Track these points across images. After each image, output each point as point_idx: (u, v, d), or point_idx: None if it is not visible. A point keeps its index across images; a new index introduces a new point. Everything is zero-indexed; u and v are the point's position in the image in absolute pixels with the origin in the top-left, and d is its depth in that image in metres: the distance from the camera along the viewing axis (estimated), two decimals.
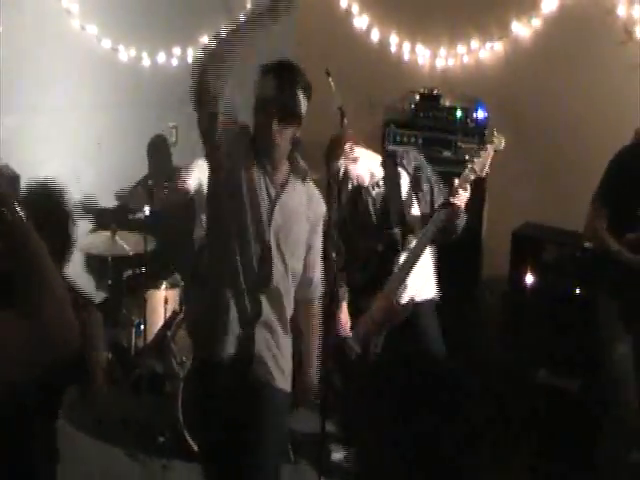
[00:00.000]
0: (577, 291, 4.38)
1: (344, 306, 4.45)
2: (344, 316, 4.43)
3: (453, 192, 4.11)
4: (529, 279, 4.61)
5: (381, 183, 4.36)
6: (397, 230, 4.29)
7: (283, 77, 3.21)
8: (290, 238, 3.20)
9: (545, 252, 4.66)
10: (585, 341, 4.24)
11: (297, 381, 3.44)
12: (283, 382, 3.29)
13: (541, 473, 4.50)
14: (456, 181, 4.14)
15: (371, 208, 4.35)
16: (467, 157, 4.19)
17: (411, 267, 4.26)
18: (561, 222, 4.69)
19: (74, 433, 4.74)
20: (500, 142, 4.16)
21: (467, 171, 4.12)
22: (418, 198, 4.32)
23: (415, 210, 4.32)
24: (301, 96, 3.17)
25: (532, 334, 4.58)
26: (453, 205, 4.11)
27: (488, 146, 4.14)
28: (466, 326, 4.65)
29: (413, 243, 4.26)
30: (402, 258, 4.27)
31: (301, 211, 3.26)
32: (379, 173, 4.35)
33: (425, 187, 4.33)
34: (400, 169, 4.35)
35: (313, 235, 3.34)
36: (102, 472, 4.51)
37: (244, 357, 3.20)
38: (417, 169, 4.35)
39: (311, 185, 3.34)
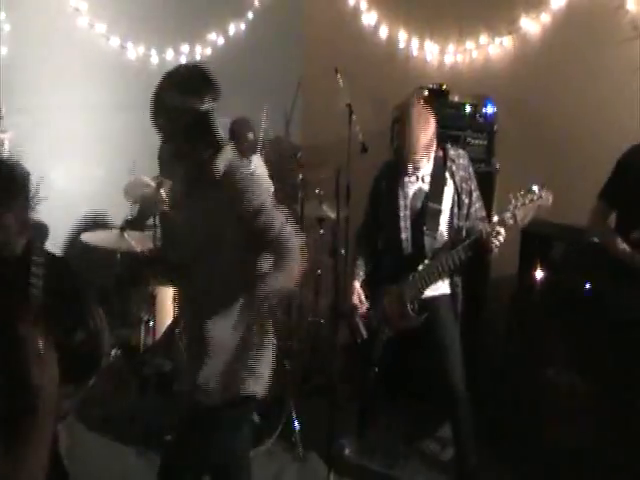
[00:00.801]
0: (586, 286, 4.35)
1: (357, 285, 4.46)
2: (356, 297, 4.45)
3: (488, 234, 4.05)
4: (538, 275, 4.59)
5: (426, 179, 4.32)
6: (429, 235, 4.27)
7: None
8: None
9: (554, 249, 4.64)
10: (594, 337, 4.22)
11: None
12: None
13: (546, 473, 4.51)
14: (495, 218, 4.07)
15: (408, 203, 4.32)
16: (512, 201, 4.03)
17: (431, 282, 4.26)
18: (570, 219, 4.67)
19: (83, 431, 4.75)
20: (548, 199, 4.01)
21: (508, 215, 4.02)
22: (459, 208, 4.30)
23: (451, 220, 4.30)
24: None
25: (541, 331, 4.57)
26: (486, 246, 4.09)
27: (535, 200, 4.00)
28: (475, 323, 4.63)
29: (440, 258, 4.24)
30: (425, 267, 4.26)
31: None
32: (427, 168, 4.32)
33: (465, 200, 4.31)
34: (448, 175, 4.30)
35: None
36: (110, 470, 4.53)
37: None
38: (464, 180, 4.32)
39: None
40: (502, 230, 4.03)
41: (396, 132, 4.23)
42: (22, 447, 1.84)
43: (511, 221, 4.03)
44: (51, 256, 2.06)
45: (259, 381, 3.21)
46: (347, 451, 4.78)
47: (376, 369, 4.61)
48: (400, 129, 4.19)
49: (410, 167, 4.20)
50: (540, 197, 4.00)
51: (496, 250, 4.12)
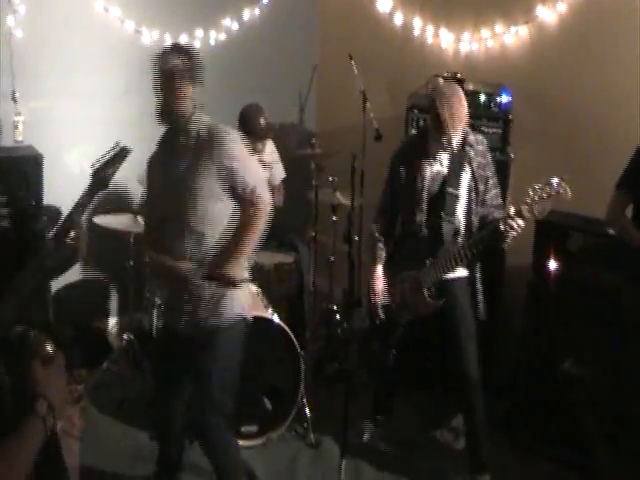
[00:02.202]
0: (602, 278, 4.35)
1: (379, 269, 4.49)
2: (378, 281, 4.47)
3: (505, 223, 4.03)
4: (552, 266, 4.58)
5: (444, 162, 4.32)
6: (446, 219, 4.27)
7: None
8: None
9: (569, 239, 4.63)
10: (610, 329, 4.21)
11: None
12: None
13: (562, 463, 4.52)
14: (512, 210, 4.04)
15: (426, 185, 4.31)
16: (531, 194, 3.97)
17: (449, 270, 4.26)
18: (586, 209, 4.66)
19: (96, 414, 4.77)
20: (567, 193, 3.95)
21: (526, 208, 3.99)
22: (476, 194, 4.29)
23: (467, 206, 4.30)
24: None
25: (556, 322, 4.57)
26: (503, 236, 4.08)
27: (554, 194, 3.95)
28: (490, 312, 4.62)
29: (457, 246, 4.24)
30: (443, 253, 4.26)
31: None
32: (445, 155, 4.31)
33: (482, 187, 4.30)
34: (465, 161, 4.29)
35: None
36: (124, 453, 4.55)
37: None
38: (481, 166, 4.31)
39: None
40: (520, 222, 4.03)
41: (432, 110, 4.18)
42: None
43: (529, 214, 4.02)
44: None
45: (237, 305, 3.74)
46: (365, 436, 4.80)
47: (394, 352, 4.64)
48: (438, 104, 4.14)
49: (446, 141, 4.17)
50: (559, 192, 3.98)
51: (510, 241, 4.13)
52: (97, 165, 3.21)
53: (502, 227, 4.05)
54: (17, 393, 2.02)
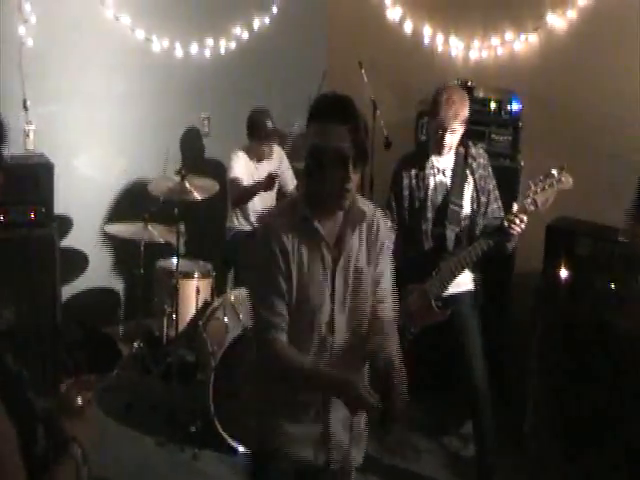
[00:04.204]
0: (612, 286, 4.33)
1: None
2: None
3: (510, 220, 4.03)
4: (563, 273, 4.56)
5: (447, 173, 4.31)
6: (450, 229, 4.27)
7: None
8: None
9: (579, 246, 4.61)
10: (619, 336, 4.19)
11: None
12: None
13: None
14: (515, 207, 4.04)
15: (429, 194, 4.30)
16: (532, 186, 3.98)
17: (455, 276, 4.25)
18: (595, 215, 4.65)
19: (104, 420, 4.77)
20: (568, 181, 3.96)
21: (528, 201, 3.98)
22: (477, 205, 4.29)
23: (472, 216, 4.30)
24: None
25: (563, 329, 4.55)
26: (507, 233, 4.07)
27: (555, 184, 3.96)
28: (499, 319, 4.61)
29: (462, 251, 4.24)
30: (448, 262, 4.25)
31: None
32: (448, 162, 4.31)
33: (483, 199, 4.30)
34: (468, 172, 4.30)
35: None
36: (132, 460, 4.55)
37: None
38: (483, 178, 4.31)
39: None
40: (524, 217, 4.02)
41: (432, 110, 4.18)
42: None
43: (532, 207, 4.00)
44: None
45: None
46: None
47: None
48: (436, 106, 4.14)
49: (442, 141, 4.17)
50: (560, 180, 3.98)
51: (516, 238, 4.11)
52: None
53: (506, 223, 4.04)
54: (50, 438, 2.02)
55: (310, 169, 2.70)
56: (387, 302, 2.98)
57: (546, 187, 3.96)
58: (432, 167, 4.31)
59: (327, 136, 2.62)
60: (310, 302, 2.76)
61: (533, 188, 3.99)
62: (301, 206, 2.78)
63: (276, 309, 2.73)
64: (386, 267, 2.96)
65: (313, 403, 2.85)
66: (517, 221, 4.00)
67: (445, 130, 4.14)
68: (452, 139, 4.19)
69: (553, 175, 3.96)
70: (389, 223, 3.04)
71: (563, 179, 3.96)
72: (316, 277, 2.76)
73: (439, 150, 4.25)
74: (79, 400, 2.08)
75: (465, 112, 4.17)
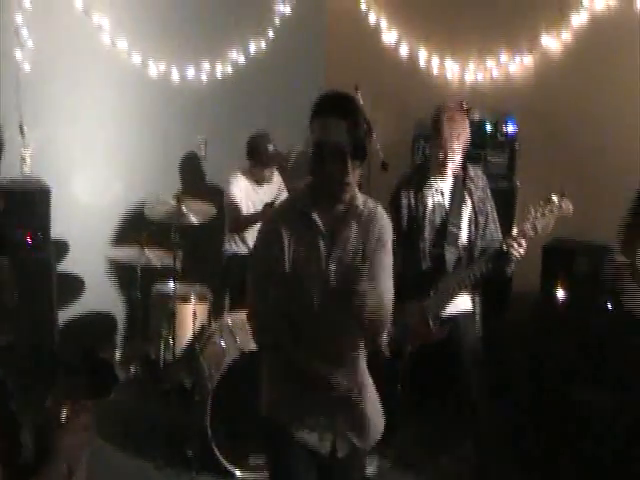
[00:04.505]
0: (608, 305, 4.33)
1: None
2: None
3: (509, 245, 4.04)
4: (560, 293, 4.57)
5: (446, 195, 4.31)
6: (449, 250, 4.27)
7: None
8: None
9: (576, 265, 4.62)
10: (617, 355, 4.19)
11: None
12: None
13: None
14: (514, 231, 4.05)
15: (427, 215, 4.30)
16: (532, 211, 4.02)
17: (453, 297, 4.24)
18: (592, 235, 4.65)
19: (102, 444, 4.74)
20: (568, 208, 3.99)
21: (528, 226, 4.01)
22: (475, 227, 4.29)
23: (470, 238, 4.30)
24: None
25: (563, 348, 4.54)
26: (506, 257, 4.07)
27: (555, 210, 3.99)
28: (498, 339, 4.61)
29: (460, 273, 4.23)
30: (446, 281, 4.25)
31: None
32: (446, 183, 4.31)
33: (481, 220, 4.30)
34: (466, 193, 4.30)
35: None
36: None
37: None
38: (481, 200, 4.31)
39: None
40: (523, 241, 4.02)
41: (433, 131, 4.19)
42: None
43: (532, 232, 4.02)
44: None
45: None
46: (370, 470, 4.74)
47: (400, 386, 4.59)
48: (437, 127, 4.15)
49: (445, 163, 4.17)
50: (560, 207, 3.99)
51: (515, 262, 4.11)
52: None
53: (505, 247, 4.04)
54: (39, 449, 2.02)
55: (311, 163, 2.81)
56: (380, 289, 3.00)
57: (546, 213, 3.97)
58: (431, 188, 4.32)
59: (326, 130, 2.76)
60: (304, 291, 2.84)
61: (533, 213, 4.00)
62: (302, 198, 2.89)
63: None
64: (383, 262, 2.99)
65: (320, 387, 2.92)
66: (516, 245, 4.00)
67: (447, 152, 4.14)
68: (454, 161, 4.19)
69: (554, 202, 3.97)
70: (389, 219, 3.05)
71: (563, 205, 3.97)
72: (311, 267, 2.85)
73: (441, 172, 4.25)
74: (64, 415, 2.08)
75: (467, 133, 4.18)
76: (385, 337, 4.10)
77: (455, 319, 4.31)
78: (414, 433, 5.03)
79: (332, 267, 2.87)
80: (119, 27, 5.76)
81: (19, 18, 5.32)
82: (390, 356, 4.40)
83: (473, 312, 4.39)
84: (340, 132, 2.75)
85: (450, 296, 4.25)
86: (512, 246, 4.02)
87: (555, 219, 4.00)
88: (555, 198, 3.98)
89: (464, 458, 4.82)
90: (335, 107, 2.80)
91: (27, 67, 5.38)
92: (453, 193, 4.31)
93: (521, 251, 4.04)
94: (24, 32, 5.34)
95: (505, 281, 4.88)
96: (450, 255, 4.28)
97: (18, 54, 5.34)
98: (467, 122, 4.24)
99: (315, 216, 2.86)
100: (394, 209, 4.45)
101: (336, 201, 2.87)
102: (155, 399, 5.11)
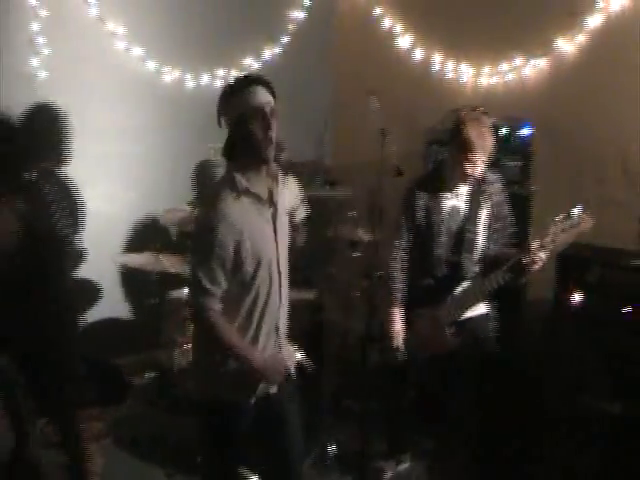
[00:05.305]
0: (623, 311, 4.28)
1: (395, 310, 4.39)
2: (395, 322, 4.39)
3: (528, 256, 4.00)
4: (575, 299, 4.52)
5: (462, 199, 4.28)
6: (466, 257, 4.23)
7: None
8: None
9: (590, 272, 4.57)
10: (632, 363, 4.14)
11: None
12: None
13: None
14: (533, 244, 4.01)
15: (444, 219, 4.28)
16: (552, 226, 3.97)
17: (470, 307, 4.21)
18: (608, 241, 4.60)
19: (115, 451, 4.74)
20: (589, 223, 3.96)
21: (548, 240, 3.97)
22: (492, 233, 4.26)
23: (486, 245, 4.27)
24: None
25: (577, 356, 4.49)
26: (524, 269, 4.04)
27: (576, 225, 3.94)
28: (511, 345, 4.56)
29: (478, 283, 4.20)
30: (463, 290, 4.22)
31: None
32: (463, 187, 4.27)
33: (498, 225, 4.27)
34: (484, 198, 4.26)
35: None
36: None
37: None
38: (498, 205, 4.28)
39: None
40: (542, 255, 3.98)
41: (460, 137, 4.11)
42: None
43: (551, 246, 3.98)
44: None
45: None
46: (388, 475, 4.72)
47: (412, 393, 4.57)
48: (468, 127, 4.09)
49: (470, 170, 4.13)
50: (581, 222, 3.94)
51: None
52: None
53: (524, 261, 4.00)
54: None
55: (236, 134, 3.21)
56: None
57: (567, 228, 3.93)
58: (447, 192, 4.28)
59: (249, 96, 3.23)
60: (261, 255, 3.21)
61: (554, 228, 3.95)
62: (236, 176, 3.20)
63: (214, 277, 3.14)
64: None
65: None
66: (536, 259, 3.96)
67: (474, 162, 4.10)
68: (479, 169, 4.15)
69: (574, 216, 3.92)
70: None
71: (584, 220, 3.93)
72: (264, 233, 3.25)
73: (463, 179, 4.20)
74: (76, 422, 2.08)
75: (491, 141, 4.12)
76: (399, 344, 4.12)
77: (470, 323, 4.28)
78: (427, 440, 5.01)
79: (278, 229, 3.34)
80: (134, 34, 5.78)
81: (35, 26, 5.34)
82: (404, 363, 4.41)
83: (487, 314, 4.35)
84: (260, 94, 3.31)
85: (467, 305, 4.22)
86: (531, 259, 3.98)
87: (575, 234, 3.96)
88: (576, 213, 3.94)
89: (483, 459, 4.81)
90: (247, 80, 3.37)
91: (43, 75, 5.40)
92: (470, 197, 4.27)
93: (540, 264, 4.01)
94: (39, 40, 5.36)
95: (520, 287, 4.83)
96: (467, 262, 4.25)
97: (34, 62, 5.37)
98: (491, 131, 4.16)
99: (253, 190, 3.28)
100: (407, 208, 4.38)
101: (262, 162, 3.28)
102: (167, 406, 5.11)
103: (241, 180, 3.21)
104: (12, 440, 1.80)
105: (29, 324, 3.49)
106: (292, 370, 3.48)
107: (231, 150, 3.27)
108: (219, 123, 3.29)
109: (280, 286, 3.36)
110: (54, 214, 4.43)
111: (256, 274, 3.23)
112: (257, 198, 3.25)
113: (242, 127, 3.19)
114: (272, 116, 3.23)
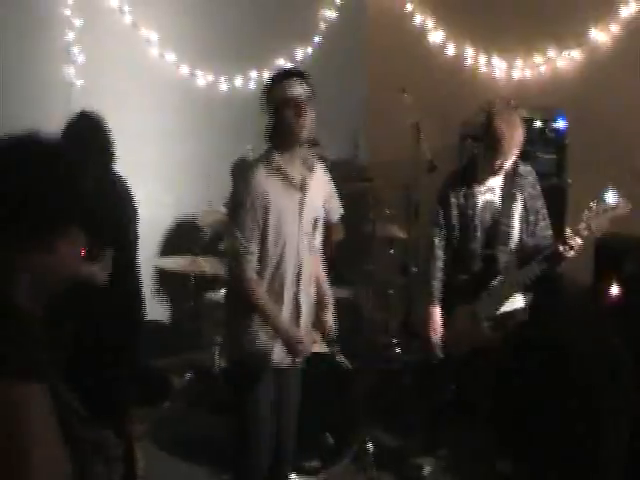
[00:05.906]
0: None
1: (434, 306, 4.39)
2: (434, 318, 4.39)
3: (563, 244, 3.97)
4: (613, 291, 4.47)
5: (496, 192, 4.26)
6: (501, 250, 4.22)
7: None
8: None
9: (629, 263, 4.51)
10: None
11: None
12: None
13: None
14: (568, 231, 3.98)
15: (478, 213, 4.26)
16: (585, 211, 3.96)
17: (507, 299, 4.19)
18: None
19: (156, 452, 4.79)
20: (625, 207, 3.92)
21: (582, 226, 3.93)
22: (527, 225, 4.24)
23: (521, 236, 4.25)
24: None
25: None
26: (560, 257, 4.01)
27: (610, 210, 3.91)
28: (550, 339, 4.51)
29: (515, 275, 4.18)
30: (498, 283, 4.20)
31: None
32: (496, 180, 4.26)
33: (532, 218, 4.25)
34: (517, 190, 4.24)
35: None
36: None
37: None
38: (532, 197, 4.25)
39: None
40: (578, 241, 3.94)
41: (490, 128, 4.07)
42: None
43: (586, 232, 3.94)
44: None
45: None
46: (426, 470, 4.70)
47: (453, 388, 4.55)
48: (498, 121, 4.06)
49: (500, 164, 4.11)
50: (616, 207, 3.90)
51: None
52: None
53: (561, 248, 3.97)
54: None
55: (274, 120, 3.56)
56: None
57: (601, 212, 3.89)
58: (481, 186, 4.26)
59: (285, 88, 3.53)
60: (283, 235, 3.57)
61: (587, 213, 3.92)
62: (273, 154, 3.57)
63: (250, 243, 3.52)
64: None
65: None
66: (572, 244, 3.93)
67: (506, 156, 4.07)
68: (509, 160, 4.13)
69: (608, 201, 3.88)
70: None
71: (620, 205, 3.89)
72: (289, 214, 3.57)
73: (495, 172, 4.18)
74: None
75: (522, 134, 4.10)
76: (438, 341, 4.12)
77: (508, 317, 4.25)
78: (468, 434, 4.97)
79: (305, 213, 3.66)
80: (167, 40, 5.85)
81: (70, 35, 5.43)
82: (442, 358, 4.40)
83: (524, 308, 4.32)
84: (295, 85, 3.56)
85: (504, 298, 4.20)
86: (568, 245, 3.95)
87: (610, 219, 3.92)
88: (609, 197, 3.89)
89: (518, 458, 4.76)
90: (285, 73, 3.72)
91: (79, 83, 5.48)
92: (503, 190, 4.25)
93: (576, 250, 3.97)
94: (75, 49, 5.44)
95: (557, 279, 4.80)
96: (502, 255, 4.23)
97: (69, 70, 5.45)
98: (521, 123, 4.14)
99: (288, 171, 3.60)
100: (442, 207, 4.38)
101: (296, 141, 3.59)
102: (209, 407, 5.14)
103: (276, 158, 3.56)
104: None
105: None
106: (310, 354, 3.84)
107: (271, 134, 3.62)
108: (263, 111, 3.64)
109: (300, 273, 3.67)
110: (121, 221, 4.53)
111: (274, 253, 3.58)
112: (289, 180, 3.58)
113: (278, 114, 3.55)
114: (306, 104, 3.55)
